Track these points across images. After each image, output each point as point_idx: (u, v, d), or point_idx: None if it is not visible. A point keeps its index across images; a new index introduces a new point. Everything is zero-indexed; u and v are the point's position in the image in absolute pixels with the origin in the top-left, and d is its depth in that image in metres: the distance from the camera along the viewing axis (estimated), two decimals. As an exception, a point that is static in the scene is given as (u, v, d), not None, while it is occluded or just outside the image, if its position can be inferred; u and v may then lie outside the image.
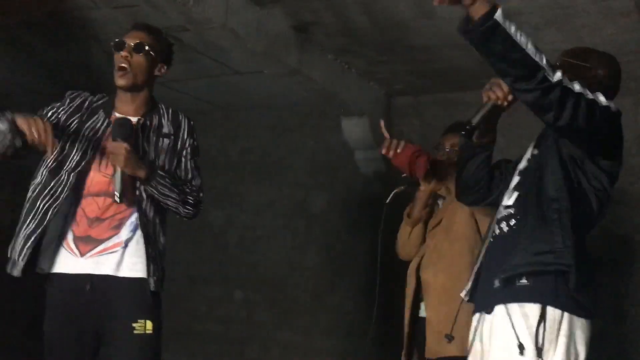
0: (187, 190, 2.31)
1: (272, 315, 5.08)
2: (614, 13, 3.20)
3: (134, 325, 2.17)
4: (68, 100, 2.34)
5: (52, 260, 2.19)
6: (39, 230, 2.18)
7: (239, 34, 3.52)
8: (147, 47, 2.26)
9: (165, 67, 2.37)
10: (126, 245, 2.22)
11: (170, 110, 2.40)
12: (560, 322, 1.86)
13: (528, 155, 2.15)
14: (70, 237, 2.20)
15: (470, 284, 2.12)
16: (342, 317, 4.83)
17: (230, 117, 5.44)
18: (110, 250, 2.20)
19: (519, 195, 2.05)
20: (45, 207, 2.19)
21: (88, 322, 2.18)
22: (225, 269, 5.28)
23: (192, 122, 2.42)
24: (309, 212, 5.07)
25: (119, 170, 2.16)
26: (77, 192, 2.21)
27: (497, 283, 1.93)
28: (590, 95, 1.93)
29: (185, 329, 5.60)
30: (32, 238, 2.18)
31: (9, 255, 2.22)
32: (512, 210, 2.04)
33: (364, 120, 4.65)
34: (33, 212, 2.20)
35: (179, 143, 2.35)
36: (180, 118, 2.39)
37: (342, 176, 5.00)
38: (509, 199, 2.07)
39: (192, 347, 5.29)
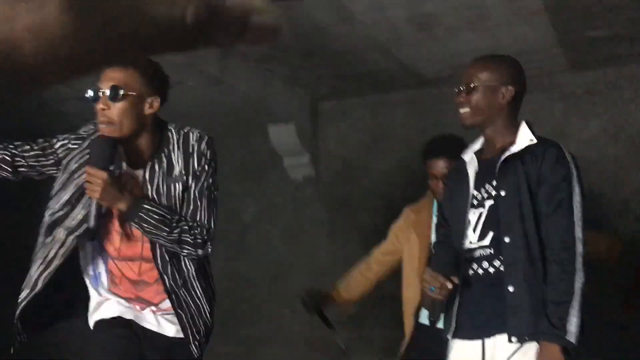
0: (185, 227, 1.97)
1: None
2: (524, 12, 3.32)
3: None
4: (84, 136, 2.06)
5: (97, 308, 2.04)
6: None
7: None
8: (122, 91, 1.91)
9: (159, 100, 2.00)
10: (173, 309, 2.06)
11: (181, 136, 2.05)
12: None
13: (481, 192, 2.14)
14: (112, 296, 2.04)
15: (454, 323, 2.11)
16: (281, 325, 4.81)
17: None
18: (166, 313, 2.06)
19: (494, 235, 2.06)
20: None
21: None
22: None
23: (204, 143, 2.06)
24: (242, 220, 5.04)
25: (94, 201, 1.90)
26: (100, 253, 2.03)
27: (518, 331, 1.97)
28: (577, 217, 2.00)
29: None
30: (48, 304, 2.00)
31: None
32: (491, 250, 2.06)
33: (291, 126, 4.66)
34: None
35: (189, 183, 2.02)
36: (191, 141, 2.04)
37: (273, 183, 5.00)
38: (483, 238, 2.08)
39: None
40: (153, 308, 2.07)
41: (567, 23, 3.47)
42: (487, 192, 2.12)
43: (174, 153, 2.02)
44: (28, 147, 2.04)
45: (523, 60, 4.11)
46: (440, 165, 2.85)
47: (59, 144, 2.05)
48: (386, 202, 4.51)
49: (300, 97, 4.78)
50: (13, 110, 4.94)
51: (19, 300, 1.96)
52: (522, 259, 1.98)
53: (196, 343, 2.07)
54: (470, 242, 2.11)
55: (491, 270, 2.06)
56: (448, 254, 2.16)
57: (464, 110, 2.15)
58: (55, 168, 2.06)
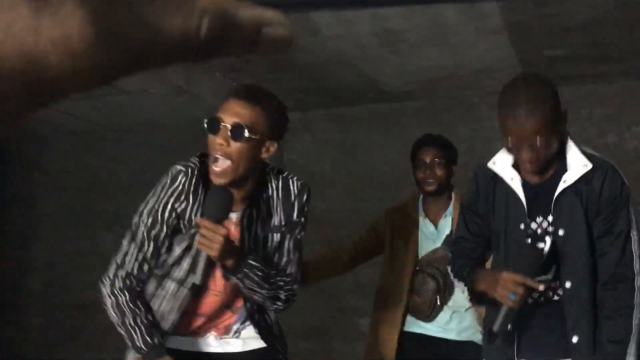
0: (281, 283, 1.86)
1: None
2: (486, 31, 3.41)
3: None
4: (183, 181, 1.84)
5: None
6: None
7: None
8: (247, 132, 1.71)
9: (275, 145, 1.80)
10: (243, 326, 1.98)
11: (280, 181, 1.89)
12: None
13: (536, 222, 1.98)
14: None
15: (515, 347, 1.97)
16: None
17: (119, 137, 5.31)
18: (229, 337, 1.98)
19: (557, 268, 1.93)
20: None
21: None
22: (120, 294, 5.12)
23: (306, 194, 1.93)
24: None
25: (203, 256, 1.71)
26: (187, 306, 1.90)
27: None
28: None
29: (78, 359, 5.37)
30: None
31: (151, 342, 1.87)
32: (554, 282, 1.95)
33: (256, 137, 4.67)
34: (170, 301, 1.88)
35: (288, 235, 1.90)
36: (293, 190, 1.89)
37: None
38: (546, 273, 1.93)
39: (86, 378, 5.09)
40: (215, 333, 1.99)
41: (527, 42, 3.57)
42: (542, 227, 1.96)
43: (272, 200, 1.87)
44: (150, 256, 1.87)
45: (484, 77, 4.23)
46: (432, 152, 2.90)
47: (166, 214, 1.82)
48: (350, 215, 4.54)
49: (266, 109, 4.80)
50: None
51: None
52: (585, 307, 1.89)
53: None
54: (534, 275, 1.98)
55: (555, 297, 1.98)
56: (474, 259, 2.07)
57: (534, 164, 1.91)
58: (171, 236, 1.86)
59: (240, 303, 1.94)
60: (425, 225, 2.97)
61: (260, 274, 1.77)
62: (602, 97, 4.25)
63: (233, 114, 1.74)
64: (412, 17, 3.24)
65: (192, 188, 1.80)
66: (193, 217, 1.79)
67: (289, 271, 1.89)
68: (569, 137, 1.98)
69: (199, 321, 1.96)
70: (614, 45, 3.60)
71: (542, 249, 1.92)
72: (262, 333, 1.95)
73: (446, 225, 2.92)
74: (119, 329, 1.88)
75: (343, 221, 4.58)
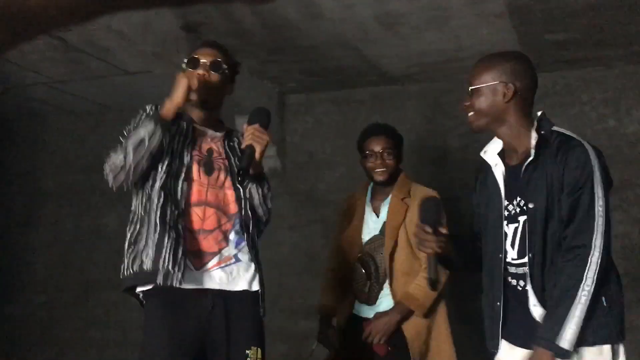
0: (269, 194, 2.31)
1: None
2: (487, 15, 3.42)
3: (247, 352, 2.10)
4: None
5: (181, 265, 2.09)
6: (178, 244, 2.07)
7: (126, 35, 3.47)
8: (224, 66, 2.22)
9: (233, 85, 2.34)
10: (237, 259, 2.15)
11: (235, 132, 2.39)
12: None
13: (513, 204, 2.02)
14: (180, 250, 2.09)
15: (500, 332, 2.02)
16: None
17: (123, 118, 5.31)
18: (224, 264, 2.13)
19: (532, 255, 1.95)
20: (174, 218, 2.09)
21: (198, 337, 2.08)
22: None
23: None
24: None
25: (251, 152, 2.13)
26: (183, 202, 2.12)
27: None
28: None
29: (81, 337, 5.45)
30: (173, 250, 2.05)
31: (147, 266, 2.08)
32: (526, 269, 1.97)
33: (258, 119, 4.70)
34: (166, 225, 2.08)
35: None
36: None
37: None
38: (523, 256, 1.97)
39: (90, 354, 5.16)
40: (207, 266, 2.14)
41: (528, 26, 3.58)
42: (519, 205, 2.00)
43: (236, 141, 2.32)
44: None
45: (485, 60, 4.23)
46: (382, 142, 2.94)
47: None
48: (349, 195, 4.59)
49: (268, 90, 4.82)
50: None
51: (169, 246, 2.08)
52: (547, 280, 1.91)
53: (263, 297, 2.22)
54: (512, 259, 2.02)
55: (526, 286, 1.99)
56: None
57: (470, 114, 2.07)
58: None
59: (233, 209, 2.19)
60: (370, 213, 3.04)
61: (268, 183, 2.24)
62: (602, 82, 4.27)
63: (209, 54, 2.22)
64: (413, 0, 3.25)
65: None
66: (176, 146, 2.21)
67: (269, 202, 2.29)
68: (540, 117, 2.05)
69: (204, 214, 2.15)
70: (615, 29, 3.61)
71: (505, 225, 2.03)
72: (252, 252, 2.20)
73: (385, 212, 2.98)
74: (126, 143, 2.14)
75: (342, 202, 4.62)
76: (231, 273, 2.14)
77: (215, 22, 3.72)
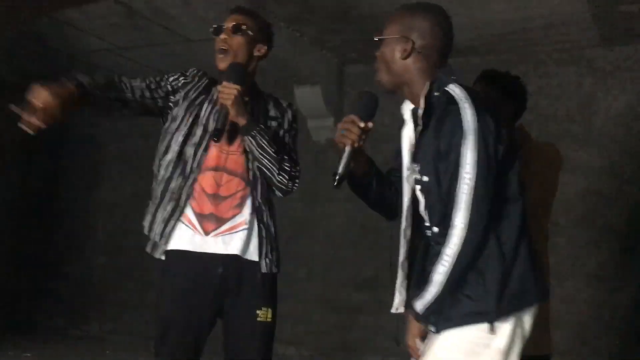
0: (286, 158, 2.21)
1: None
2: (559, -16, 3.28)
3: (257, 312, 2.15)
4: (192, 75, 2.32)
5: (169, 237, 2.17)
6: (177, 212, 2.16)
7: (189, 2, 3.47)
8: (244, 27, 2.25)
9: (265, 48, 2.32)
10: (250, 225, 2.18)
11: (273, 98, 2.37)
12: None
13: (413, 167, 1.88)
14: (190, 213, 2.16)
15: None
16: (296, 284, 4.88)
17: (181, 85, 5.39)
18: (235, 230, 2.17)
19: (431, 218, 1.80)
20: (178, 187, 2.16)
21: (211, 302, 2.14)
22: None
23: (295, 110, 2.39)
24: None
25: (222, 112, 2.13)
26: (198, 167, 2.18)
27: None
28: None
29: (138, 300, 5.59)
30: (171, 220, 2.16)
31: (147, 233, 2.22)
32: (434, 231, 1.78)
33: (317, 89, 4.66)
34: (169, 193, 2.17)
35: (283, 129, 2.31)
36: (285, 105, 2.35)
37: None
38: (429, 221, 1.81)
39: (144, 317, 5.29)
40: (218, 231, 2.17)
41: (602, -3, 3.43)
42: (415, 170, 1.87)
43: (268, 104, 2.32)
44: (141, 81, 2.31)
45: (554, 32, 4.08)
46: None
47: (171, 78, 2.30)
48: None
49: (327, 60, 4.77)
50: (41, 60, 4.99)
51: (165, 216, 2.17)
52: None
53: (267, 260, 2.19)
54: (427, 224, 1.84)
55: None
56: None
57: (376, 67, 1.90)
58: (164, 100, 2.27)
59: (251, 177, 2.21)
60: None
61: (267, 137, 2.15)
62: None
63: (232, 20, 2.27)
64: (481, -32, 3.15)
65: (198, 75, 2.31)
66: (191, 93, 2.25)
67: (293, 157, 2.26)
68: (437, 75, 1.82)
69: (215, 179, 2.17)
70: (695, 1, 3.42)
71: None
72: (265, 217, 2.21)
73: None
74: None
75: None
76: (242, 239, 2.17)
77: (277, -11, 3.69)
